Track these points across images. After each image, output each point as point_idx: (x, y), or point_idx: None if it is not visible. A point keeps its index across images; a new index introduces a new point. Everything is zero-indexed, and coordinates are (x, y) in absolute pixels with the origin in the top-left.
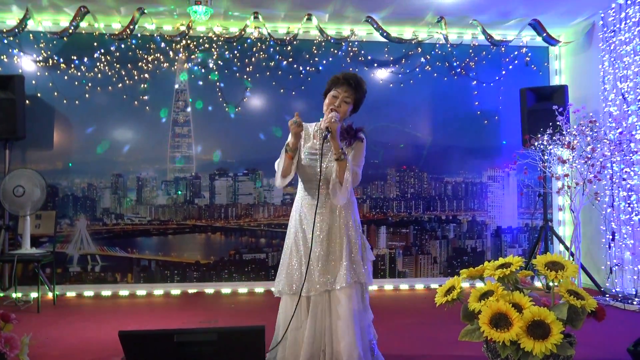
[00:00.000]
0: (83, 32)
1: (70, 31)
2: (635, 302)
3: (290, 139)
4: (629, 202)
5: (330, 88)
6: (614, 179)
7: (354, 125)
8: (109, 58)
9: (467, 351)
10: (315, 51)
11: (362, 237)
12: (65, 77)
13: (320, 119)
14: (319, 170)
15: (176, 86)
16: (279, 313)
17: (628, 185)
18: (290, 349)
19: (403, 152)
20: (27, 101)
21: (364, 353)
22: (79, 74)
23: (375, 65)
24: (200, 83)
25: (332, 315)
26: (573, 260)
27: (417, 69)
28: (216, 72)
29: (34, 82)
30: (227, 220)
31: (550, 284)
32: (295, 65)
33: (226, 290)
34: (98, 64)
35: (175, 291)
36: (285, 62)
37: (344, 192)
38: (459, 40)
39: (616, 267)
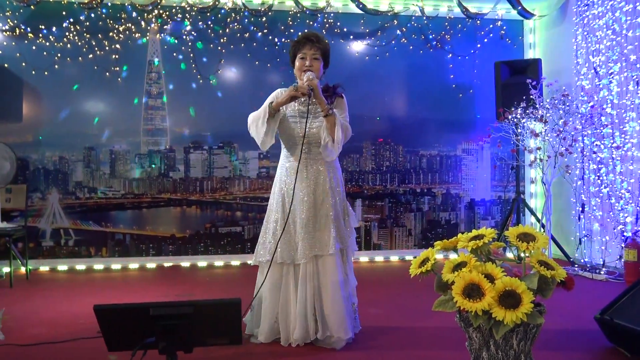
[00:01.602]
0: (51, 0)
1: None
2: (602, 272)
3: (279, 98)
4: (598, 174)
5: (295, 53)
6: (584, 152)
7: (329, 83)
8: (78, 27)
9: (441, 321)
10: (290, 22)
11: (347, 204)
12: (34, 47)
13: (293, 85)
14: (304, 131)
15: (149, 57)
16: (262, 282)
17: (598, 159)
18: (279, 314)
19: (378, 125)
20: None
21: (349, 319)
22: (47, 44)
23: (351, 37)
24: (174, 54)
25: (320, 281)
26: (544, 231)
27: (393, 42)
28: (189, 43)
29: (0, 52)
30: (203, 194)
31: (522, 254)
32: (270, 37)
33: (202, 263)
34: (67, 33)
35: (151, 265)
36: (260, 34)
37: (337, 146)
38: (435, 13)
39: (585, 238)
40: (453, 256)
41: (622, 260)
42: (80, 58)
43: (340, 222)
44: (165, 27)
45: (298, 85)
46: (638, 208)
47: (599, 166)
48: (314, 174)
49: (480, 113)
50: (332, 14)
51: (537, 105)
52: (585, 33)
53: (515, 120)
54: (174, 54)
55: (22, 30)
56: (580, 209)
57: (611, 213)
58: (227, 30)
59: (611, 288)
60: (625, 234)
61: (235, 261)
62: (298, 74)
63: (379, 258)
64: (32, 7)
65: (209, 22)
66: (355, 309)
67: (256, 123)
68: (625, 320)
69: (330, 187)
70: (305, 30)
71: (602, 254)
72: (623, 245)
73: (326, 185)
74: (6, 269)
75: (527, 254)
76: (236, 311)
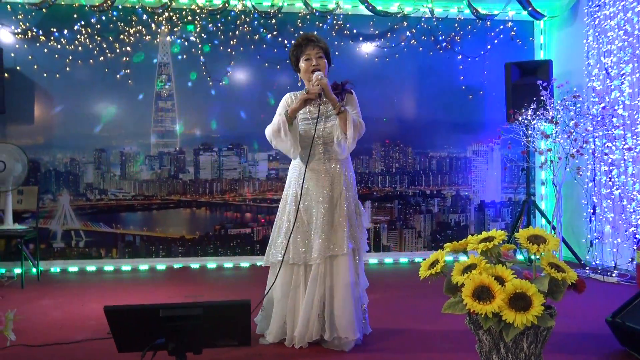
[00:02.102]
0: (62, 3)
1: (50, 2)
2: (614, 275)
3: (292, 105)
4: (610, 176)
5: (298, 56)
6: (595, 154)
7: (337, 81)
8: (89, 30)
9: (451, 324)
10: (300, 24)
11: (359, 204)
12: (45, 50)
13: (304, 90)
14: (314, 132)
15: (159, 59)
16: (274, 282)
17: (609, 160)
18: (287, 315)
19: (388, 127)
20: (6, 74)
21: (358, 320)
22: (59, 46)
23: (361, 39)
24: (184, 56)
25: (332, 281)
26: (555, 233)
27: (403, 43)
28: (199, 46)
29: (12, 54)
30: (212, 195)
31: (532, 257)
32: (279, 39)
33: (212, 265)
34: (78, 36)
35: (161, 266)
36: (269, 36)
37: (349, 142)
38: (445, 14)
39: (596, 241)
40: (463, 258)
41: (634, 262)
42: (91, 61)
43: (353, 221)
44: (175, 29)
45: (308, 88)
46: None
47: (611, 168)
48: (331, 174)
49: (491, 114)
50: (341, 16)
51: (547, 107)
52: (597, 34)
53: (525, 121)
54: (184, 56)
55: (34, 33)
56: (592, 211)
57: (623, 215)
58: (237, 32)
59: (623, 291)
60: (637, 236)
61: (245, 263)
62: (306, 76)
63: (388, 260)
64: (43, 10)
65: (219, 25)
66: (365, 310)
67: (277, 135)
68: (637, 323)
69: (346, 187)
70: (335, 43)
71: (613, 257)
72: (635, 247)
73: (342, 184)
74: (17, 270)
75: (537, 256)
76: (245, 313)
